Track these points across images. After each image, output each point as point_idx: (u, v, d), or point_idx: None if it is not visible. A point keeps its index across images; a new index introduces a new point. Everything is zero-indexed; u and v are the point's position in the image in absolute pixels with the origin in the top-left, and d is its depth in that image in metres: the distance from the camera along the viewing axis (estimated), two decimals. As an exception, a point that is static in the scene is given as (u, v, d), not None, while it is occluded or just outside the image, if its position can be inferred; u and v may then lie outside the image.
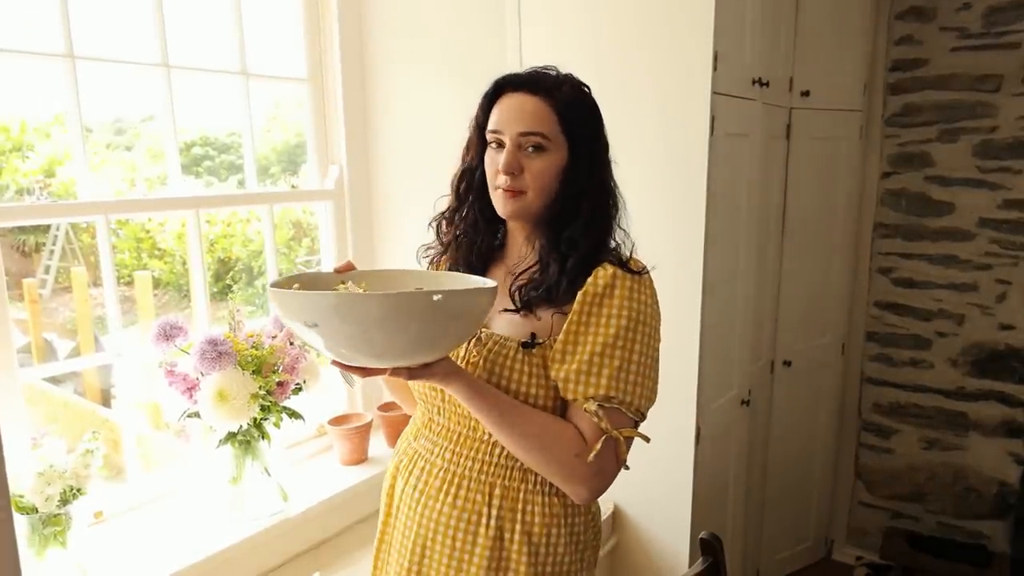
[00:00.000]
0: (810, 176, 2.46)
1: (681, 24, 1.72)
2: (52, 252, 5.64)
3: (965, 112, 2.55)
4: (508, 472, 1.08)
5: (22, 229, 5.25)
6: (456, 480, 1.09)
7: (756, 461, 2.47)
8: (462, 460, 1.10)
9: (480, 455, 1.09)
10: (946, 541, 2.70)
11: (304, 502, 1.82)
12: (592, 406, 1.01)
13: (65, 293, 5.53)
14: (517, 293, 1.09)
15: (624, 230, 1.12)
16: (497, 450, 1.08)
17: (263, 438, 1.68)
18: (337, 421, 2.09)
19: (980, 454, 2.66)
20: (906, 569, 2.60)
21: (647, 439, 1.06)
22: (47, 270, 5.58)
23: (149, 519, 1.71)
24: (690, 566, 1.70)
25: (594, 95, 1.12)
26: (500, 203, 1.09)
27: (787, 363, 2.55)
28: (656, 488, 1.89)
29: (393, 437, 2.15)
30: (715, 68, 1.70)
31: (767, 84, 2.05)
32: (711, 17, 1.67)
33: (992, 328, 2.60)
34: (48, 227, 5.51)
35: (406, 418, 2.14)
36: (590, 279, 1.04)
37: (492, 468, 1.09)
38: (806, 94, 2.36)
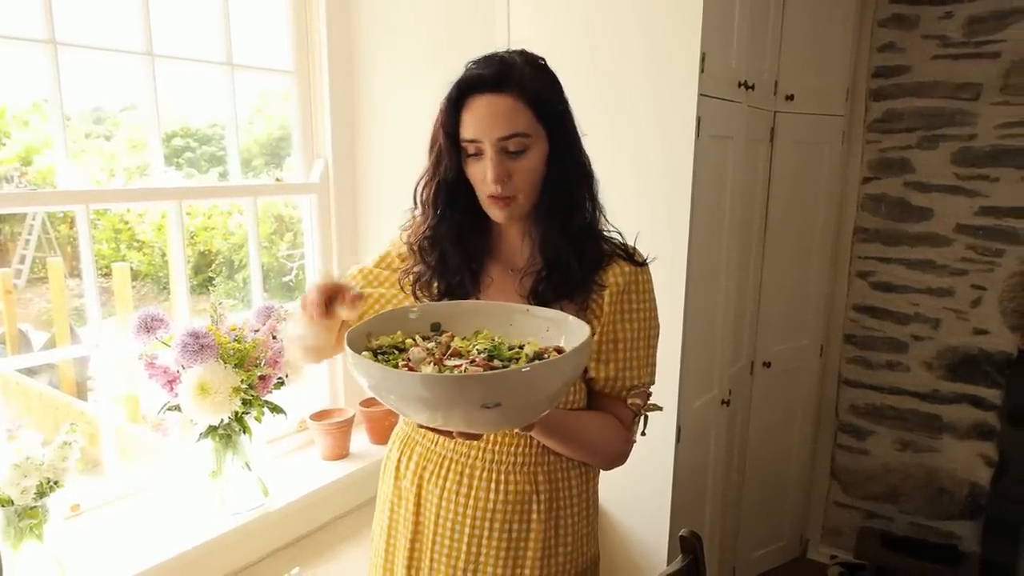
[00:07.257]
0: (792, 179, 2.49)
1: (669, 25, 1.73)
2: (28, 242, 5.54)
3: (945, 119, 2.59)
4: (548, 458, 1.14)
5: (-3, 218, 5.16)
6: (503, 475, 1.12)
7: (734, 460, 2.50)
8: (505, 456, 1.12)
9: (521, 448, 1.12)
10: (919, 541, 2.75)
11: (285, 497, 1.81)
12: (636, 400, 1.12)
13: (40, 284, 5.44)
14: (531, 295, 1.09)
15: (600, 202, 1.13)
16: (535, 441, 1.12)
17: (244, 432, 1.67)
18: (319, 416, 2.08)
19: (953, 456, 2.71)
20: (879, 568, 2.64)
21: (661, 408, 1.17)
22: (22, 260, 5.49)
23: (127, 513, 1.70)
24: (669, 563, 1.71)
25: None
26: (494, 212, 1.09)
27: (767, 364, 2.58)
28: (636, 486, 1.91)
29: (375, 432, 2.14)
30: (702, 70, 1.71)
31: (752, 87, 2.07)
32: (699, 19, 1.68)
33: (967, 332, 2.64)
34: (24, 216, 5.41)
35: (389, 413, 2.13)
36: (611, 278, 1.09)
37: (534, 458, 1.13)
38: (790, 98, 2.38)
